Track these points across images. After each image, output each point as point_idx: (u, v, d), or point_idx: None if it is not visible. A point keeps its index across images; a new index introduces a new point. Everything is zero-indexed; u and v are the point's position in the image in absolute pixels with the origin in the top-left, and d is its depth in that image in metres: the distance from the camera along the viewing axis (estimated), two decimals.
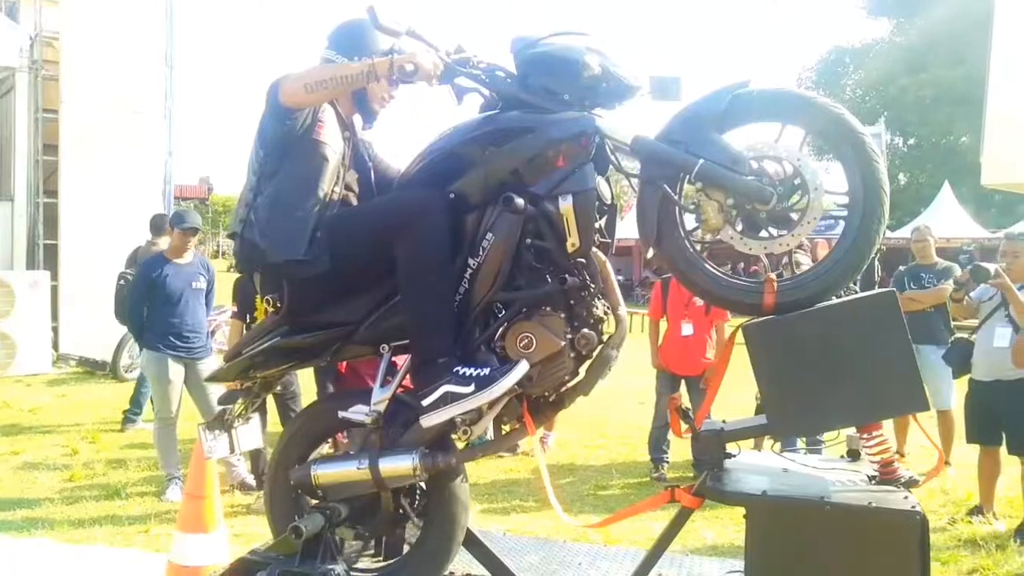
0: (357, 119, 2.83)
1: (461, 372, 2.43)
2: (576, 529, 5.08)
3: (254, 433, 3.15)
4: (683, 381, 6.42)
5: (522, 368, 2.41)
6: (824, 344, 2.29)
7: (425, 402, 2.44)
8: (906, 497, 2.24)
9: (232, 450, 3.04)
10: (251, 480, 5.68)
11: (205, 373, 5.80)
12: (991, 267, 5.11)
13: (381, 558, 2.99)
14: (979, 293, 5.51)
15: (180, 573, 3.76)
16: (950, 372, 6.88)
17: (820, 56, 32.79)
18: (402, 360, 2.72)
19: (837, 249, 2.38)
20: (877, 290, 2.35)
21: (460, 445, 2.63)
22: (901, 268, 7.13)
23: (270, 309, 5.41)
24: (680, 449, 6.60)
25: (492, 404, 2.47)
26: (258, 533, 4.94)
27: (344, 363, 3.86)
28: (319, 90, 2.51)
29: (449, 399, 2.41)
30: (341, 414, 2.65)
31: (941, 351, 6.98)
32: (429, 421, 2.44)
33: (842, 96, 28.27)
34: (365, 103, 2.77)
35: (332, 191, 2.64)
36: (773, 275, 2.41)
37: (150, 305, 5.75)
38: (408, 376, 2.64)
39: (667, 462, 6.48)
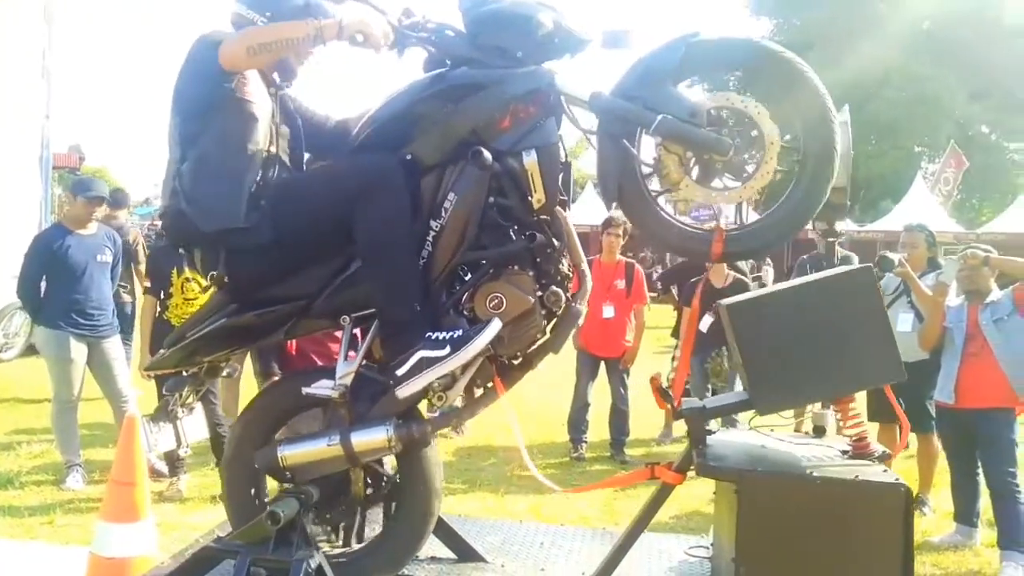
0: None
1: (434, 337, 2.36)
2: (523, 511, 5.10)
3: (199, 423, 2.97)
4: (603, 363, 6.54)
5: (495, 325, 2.36)
6: (804, 320, 2.36)
7: (400, 371, 2.35)
8: (885, 471, 2.34)
9: (178, 443, 2.86)
10: (162, 466, 5.39)
11: (111, 352, 5.46)
12: (895, 257, 5.41)
13: (340, 543, 2.89)
14: (885, 282, 5.84)
15: (104, 566, 3.50)
16: None
17: None
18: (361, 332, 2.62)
19: (785, 203, 2.44)
20: (854, 266, 2.43)
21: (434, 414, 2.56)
22: (804, 257, 7.46)
23: (201, 285, 5.11)
24: (597, 429, 6.73)
25: (466, 367, 2.43)
26: (174, 522, 4.70)
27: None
28: (262, 53, 2.37)
29: (425, 364, 2.34)
30: (305, 390, 2.52)
31: None
32: (406, 390, 2.36)
33: (726, 91, 29.25)
34: (286, 60, 2.60)
35: (268, 150, 2.50)
36: (722, 224, 2.45)
37: (49, 280, 5.33)
38: (372, 347, 2.55)
39: (585, 442, 6.57)
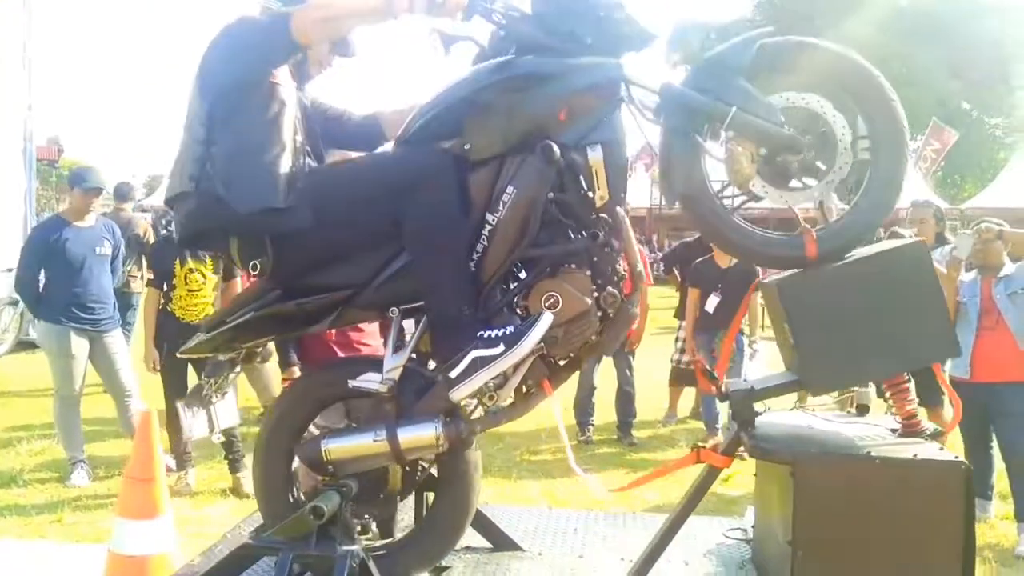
0: None
1: (486, 335, 2.28)
2: (536, 495, 5.07)
3: (231, 409, 2.88)
4: None
5: (547, 319, 2.27)
6: (858, 297, 2.30)
7: (453, 373, 2.27)
8: (940, 449, 2.30)
9: (212, 429, 2.77)
10: (170, 460, 5.29)
11: (113, 346, 5.36)
12: (907, 232, 5.39)
13: (373, 537, 2.82)
14: None
15: (123, 564, 3.43)
16: None
17: None
18: (408, 325, 2.55)
19: (867, 192, 2.39)
20: (908, 240, 2.38)
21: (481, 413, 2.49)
22: None
23: (205, 275, 5.01)
24: (603, 412, 6.70)
25: (518, 366, 2.34)
26: (186, 516, 4.63)
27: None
28: (331, 25, 2.28)
29: (479, 364, 2.25)
30: (352, 383, 2.44)
31: None
32: (460, 392, 2.27)
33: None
34: (303, 65, 2.55)
35: (295, 140, 2.41)
36: (808, 226, 2.40)
37: (48, 273, 5.21)
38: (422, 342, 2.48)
39: (592, 425, 6.55)
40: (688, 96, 2.35)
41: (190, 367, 5.23)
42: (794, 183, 2.41)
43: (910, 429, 2.43)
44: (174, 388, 5.09)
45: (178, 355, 2.70)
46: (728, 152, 2.36)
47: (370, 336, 3.46)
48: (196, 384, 2.76)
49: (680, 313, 7.18)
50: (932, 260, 2.36)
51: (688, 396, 7.32)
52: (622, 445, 6.39)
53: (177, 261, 5.10)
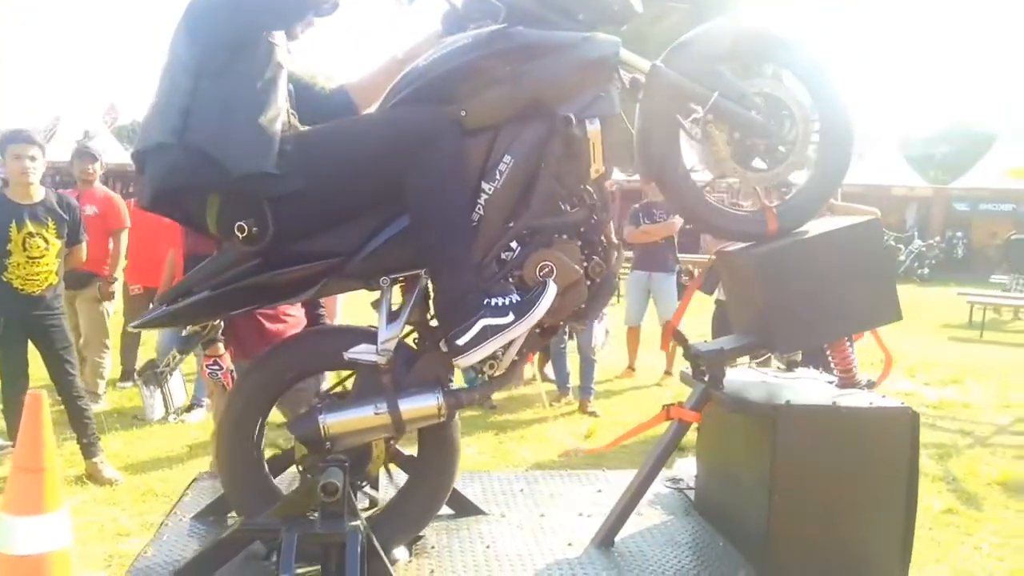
0: None
1: (494, 303, 2.30)
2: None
3: (180, 387, 2.67)
4: None
5: (553, 289, 2.33)
6: (820, 267, 2.56)
7: (461, 340, 2.26)
8: (883, 396, 2.64)
9: (167, 409, 2.56)
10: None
11: None
12: None
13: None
14: None
15: (14, 566, 3.07)
16: (675, 293, 7.96)
17: None
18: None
19: (816, 171, 2.64)
20: (864, 218, 2.68)
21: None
22: (636, 205, 7.93)
23: (48, 240, 4.51)
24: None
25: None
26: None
27: None
28: None
29: (489, 333, 2.26)
30: (347, 355, 2.35)
31: (671, 277, 8.02)
32: (469, 359, 2.27)
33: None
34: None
35: (287, 105, 2.30)
36: (768, 202, 2.62)
37: None
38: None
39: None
40: (675, 79, 2.48)
41: (30, 343, 4.70)
42: (757, 163, 2.62)
43: (847, 381, 2.76)
44: (13, 367, 4.55)
45: (130, 328, 2.46)
46: (706, 135, 2.53)
47: (294, 307, 3.31)
48: (147, 361, 2.53)
49: None
50: (883, 235, 2.68)
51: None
52: (483, 409, 6.54)
53: (12, 224, 4.52)
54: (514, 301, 2.30)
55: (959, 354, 10.28)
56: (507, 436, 5.87)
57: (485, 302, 2.28)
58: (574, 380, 6.91)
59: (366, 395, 2.37)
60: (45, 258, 4.59)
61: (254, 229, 2.19)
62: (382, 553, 2.30)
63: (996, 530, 4.59)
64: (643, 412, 6.87)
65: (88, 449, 4.69)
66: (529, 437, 5.90)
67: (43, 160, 4.59)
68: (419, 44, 2.70)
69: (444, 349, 2.34)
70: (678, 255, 8.14)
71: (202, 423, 5.85)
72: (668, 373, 8.07)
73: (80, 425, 4.63)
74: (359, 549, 2.20)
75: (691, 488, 3.15)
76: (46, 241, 4.59)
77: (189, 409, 5.91)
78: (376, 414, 2.33)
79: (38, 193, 4.62)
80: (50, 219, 4.61)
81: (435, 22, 2.65)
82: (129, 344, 6.96)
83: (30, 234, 4.54)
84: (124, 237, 6.17)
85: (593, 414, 6.61)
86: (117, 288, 6.44)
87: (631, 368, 8.27)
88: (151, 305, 5.65)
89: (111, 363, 6.48)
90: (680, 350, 2.85)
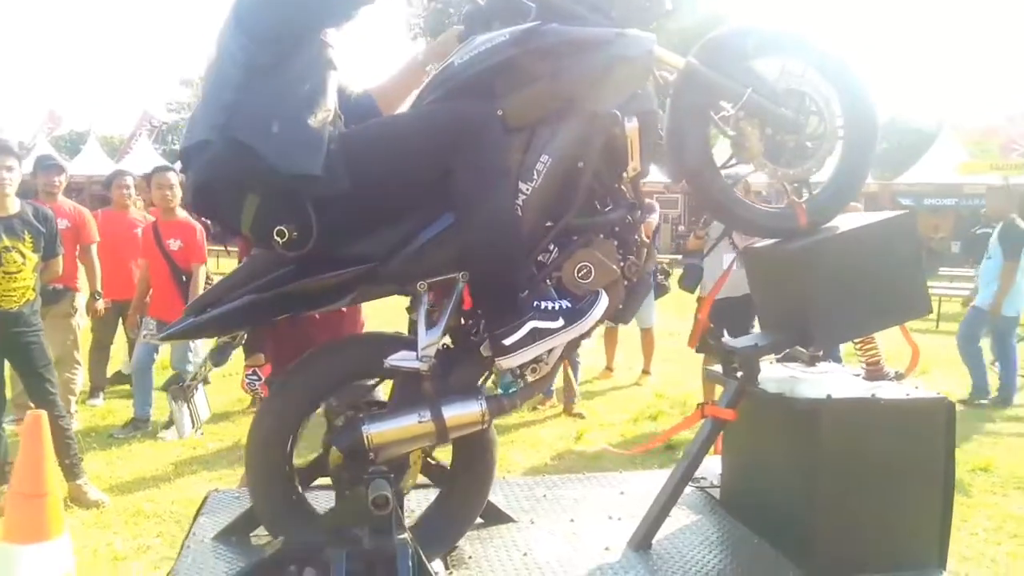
0: None
1: (544, 306, 2.25)
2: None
3: (204, 401, 2.56)
4: None
5: (604, 302, 2.31)
6: (859, 261, 2.57)
7: (508, 340, 2.20)
8: (917, 387, 2.66)
9: (193, 424, 2.45)
10: None
11: None
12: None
13: None
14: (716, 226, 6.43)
15: None
16: (652, 294, 8.01)
17: None
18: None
19: (842, 165, 2.65)
20: (898, 212, 2.70)
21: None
22: None
23: (25, 255, 4.34)
24: None
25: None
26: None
27: None
28: None
29: (537, 336, 2.21)
30: (389, 363, 2.28)
31: (647, 276, 8.04)
32: (513, 361, 2.22)
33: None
34: None
35: (335, 106, 2.23)
36: (796, 199, 2.63)
37: None
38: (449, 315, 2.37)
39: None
40: (710, 75, 2.46)
41: (6, 363, 4.50)
42: (787, 160, 2.62)
43: (874, 374, 2.77)
44: None
45: (156, 340, 2.35)
46: (739, 131, 2.53)
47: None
48: (171, 376, 2.43)
49: None
50: (918, 229, 2.70)
51: None
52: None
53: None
54: (564, 307, 2.25)
55: (920, 345, 10.50)
56: (500, 436, 5.81)
57: (535, 304, 2.23)
58: (557, 383, 6.87)
59: (408, 403, 2.30)
60: (22, 273, 4.39)
61: (294, 234, 2.10)
62: (429, 567, 2.23)
63: (989, 515, 4.69)
64: (627, 412, 6.89)
65: (71, 471, 4.50)
66: (519, 441, 5.86)
67: (19, 171, 4.39)
68: (439, 44, 2.66)
69: (485, 352, 2.28)
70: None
71: (181, 440, 5.66)
72: (646, 372, 8.12)
73: (62, 446, 4.43)
74: (409, 563, 2.13)
75: (715, 487, 3.13)
76: (23, 255, 4.39)
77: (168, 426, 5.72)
78: (420, 422, 2.26)
79: (14, 205, 4.42)
80: (27, 232, 4.41)
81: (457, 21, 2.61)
82: (98, 360, 6.72)
83: (6, 248, 4.34)
84: (94, 251, 5.95)
85: (579, 416, 6.59)
86: (81, 303, 6.21)
87: (609, 369, 8.28)
88: (139, 319, 5.51)
89: (82, 380, 6.25)
90: (678, 351, 2.83)
